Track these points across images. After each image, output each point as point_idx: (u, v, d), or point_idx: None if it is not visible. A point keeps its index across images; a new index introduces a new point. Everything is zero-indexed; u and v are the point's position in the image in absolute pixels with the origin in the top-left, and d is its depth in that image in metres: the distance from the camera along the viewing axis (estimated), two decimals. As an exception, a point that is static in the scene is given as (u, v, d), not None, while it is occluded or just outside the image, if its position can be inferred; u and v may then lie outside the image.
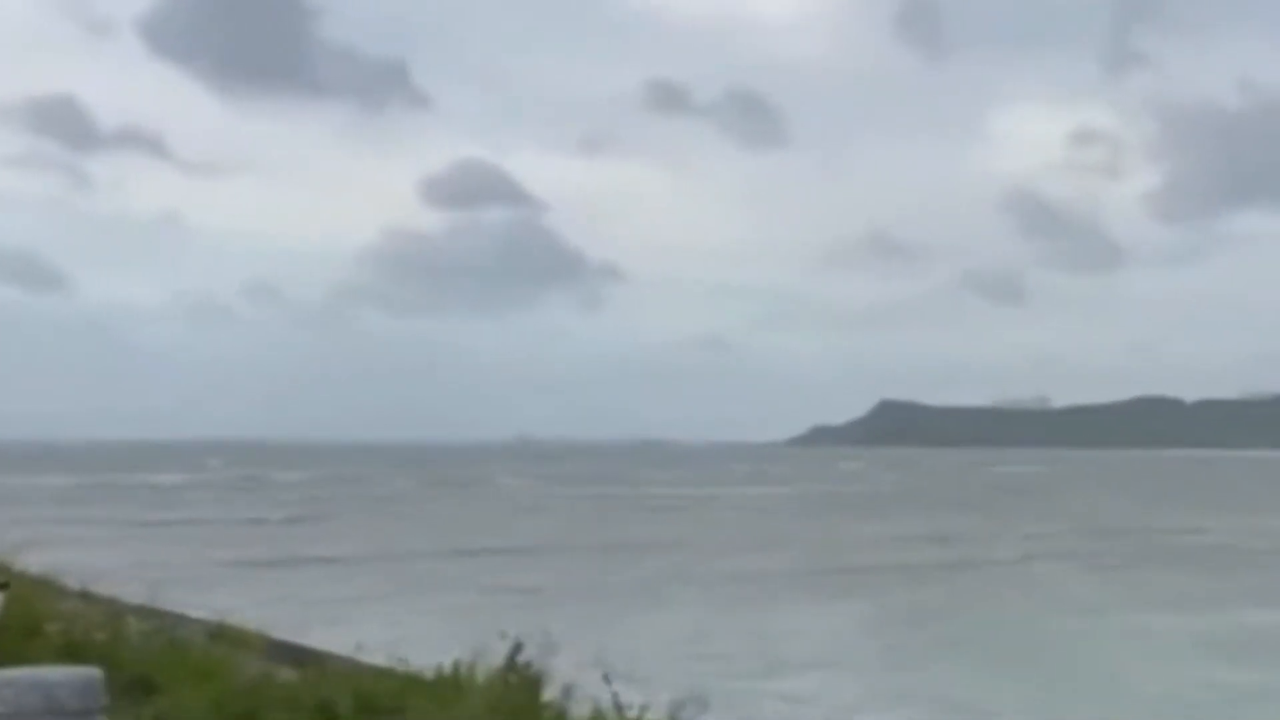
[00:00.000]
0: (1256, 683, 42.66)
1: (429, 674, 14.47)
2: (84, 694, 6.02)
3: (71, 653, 12.66)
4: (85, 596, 17.65)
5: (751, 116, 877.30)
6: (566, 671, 14.58)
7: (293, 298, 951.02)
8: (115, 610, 16.43)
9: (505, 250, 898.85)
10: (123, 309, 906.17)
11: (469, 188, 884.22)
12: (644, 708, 14.29)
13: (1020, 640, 52.81)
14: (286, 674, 14.06)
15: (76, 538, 74.81)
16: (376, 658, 15.96)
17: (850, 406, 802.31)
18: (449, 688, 13.89)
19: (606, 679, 13.94)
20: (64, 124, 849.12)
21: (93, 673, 6.07)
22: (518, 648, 14.37)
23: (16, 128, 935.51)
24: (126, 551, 71.56)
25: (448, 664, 14.55)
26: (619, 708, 14.01)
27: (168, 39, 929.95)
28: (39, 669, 6.23)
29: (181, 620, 17.34)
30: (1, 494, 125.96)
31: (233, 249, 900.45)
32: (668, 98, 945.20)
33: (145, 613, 16.97)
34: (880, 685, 43.41)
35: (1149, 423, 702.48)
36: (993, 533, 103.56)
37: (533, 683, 14.11)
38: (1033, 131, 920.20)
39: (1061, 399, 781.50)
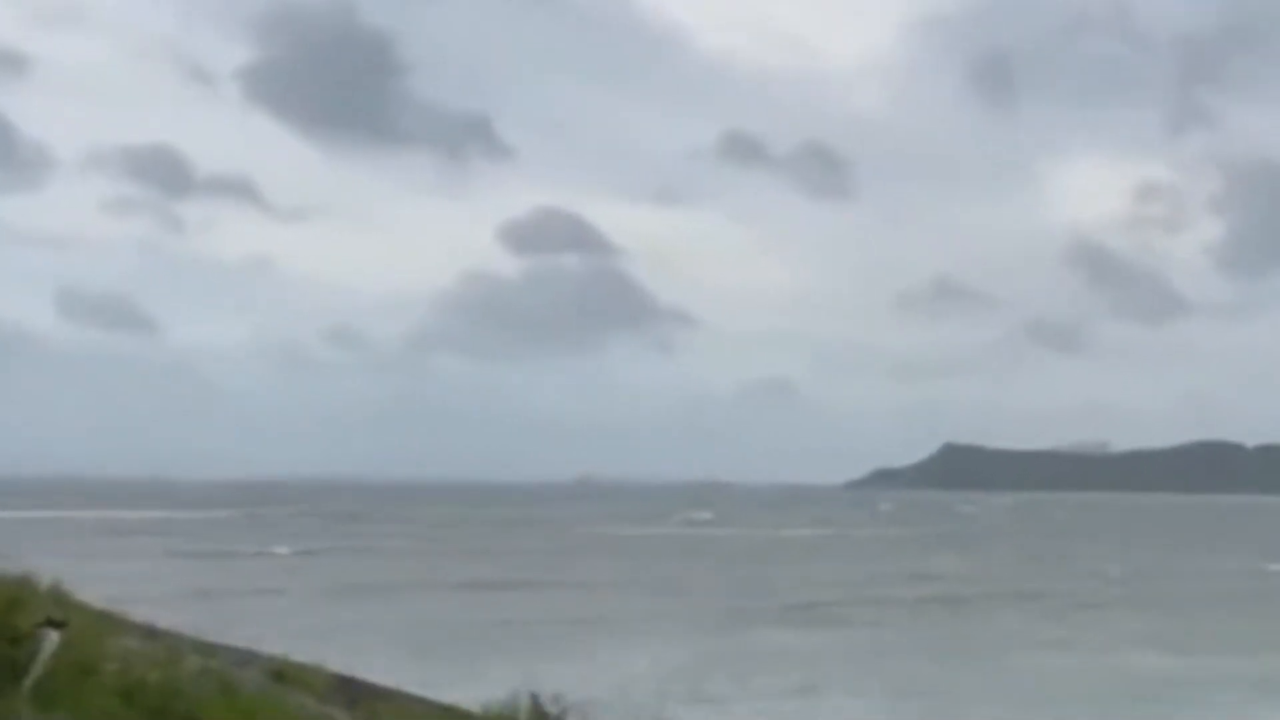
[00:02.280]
0: None
1: (480, 712, 14.49)
2: None
3: (126, 694, 12.66)
4: (148, 633, 17.64)
5: (822, 168, 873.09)
6: (601, 697, 14.61)
7: (373, 341, 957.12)
8: (175, 647, 16.41)
9: (580, 296, 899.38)
10: (210, 351, 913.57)
11: (547, 235, 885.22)
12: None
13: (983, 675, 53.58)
14: (339, 715, 14.06)
15: (149, 571, 75.66)
16: (439, 694, 15.98)
17: (913, 451, 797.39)
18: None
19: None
20: (162, 171, 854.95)
21: None
22: (536, 701, 14.40)
23: (116, 175, 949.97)
24: (200, 580, 72.34)
25: (491, 702, 14.59)
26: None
27: (263, 89, 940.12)
28: None
29: (242, 656, 17.37)
30: (91, 527, 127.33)
31: (317, 293, 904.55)
32: (742, 149, 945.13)
33: (206, 649, 16.98)
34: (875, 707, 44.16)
35: (1209, 467, 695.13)
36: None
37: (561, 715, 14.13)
38: (1096, 185, 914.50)
39: (1121, 444, 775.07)
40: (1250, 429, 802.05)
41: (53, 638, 11.97)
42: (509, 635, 60.83)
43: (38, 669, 11.58)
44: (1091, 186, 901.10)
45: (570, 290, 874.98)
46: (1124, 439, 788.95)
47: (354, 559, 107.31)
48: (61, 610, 14.55)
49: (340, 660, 20.72)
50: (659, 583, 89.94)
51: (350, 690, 16.85)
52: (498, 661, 43.91)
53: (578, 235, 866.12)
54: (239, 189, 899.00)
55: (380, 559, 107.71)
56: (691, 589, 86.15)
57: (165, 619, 19.18)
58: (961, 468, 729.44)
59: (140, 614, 18.62)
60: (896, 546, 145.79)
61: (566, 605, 74.12)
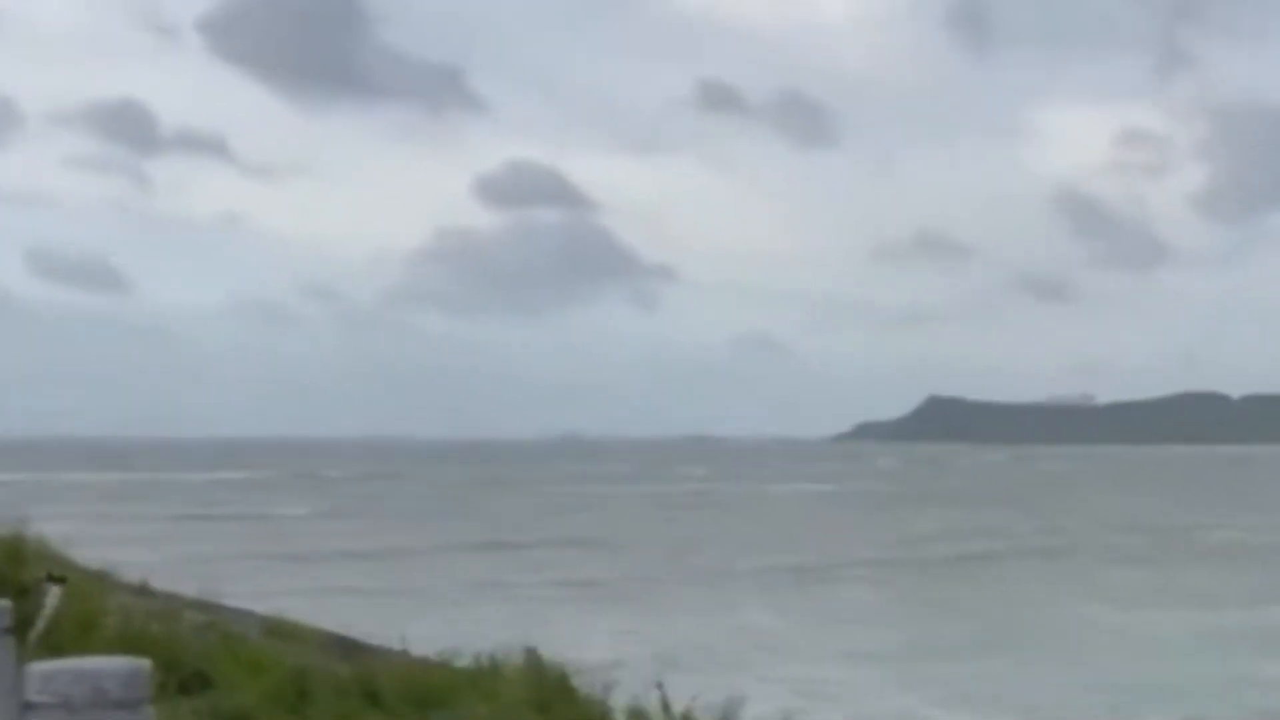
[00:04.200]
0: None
1: (469, 666, 14.77)
2: (130, 684, 5.78)
3: (128, 646, 12.79)
4: (142, 591, 17.96)
5: (802, 117, 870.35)
6: (611, 662, 14.87)
7: (348, 298, 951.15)
8: (171, 605, 16.76)
9: (559, 250, 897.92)
10: (182, 310, 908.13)
11: (523, 189, 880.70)
12: (693, 698, 14.53)
13: (1037, 632, 53.19)
14: (338, 666, 14.41)
15: (134, 534, 75.65)
16: (421, 649, 16.26)
17: (897, 404, 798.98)
18: (490, 679, 14.23)
19: (659, 686, 14.23)
20: (128, 127, 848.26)
21: (139, 663, 5.91)
22: (533, 652, 14.66)
23: (81, 131, 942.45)
24: (182, 546, 72.29)
25: (485, 656, 14.87)
26: (666, 705, 14.26)
27: (230, 42, 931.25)
28: (85, 660, 6.09)
29: (237, 614, 17.71)
30: (63, 491, 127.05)
31: (291, 250, 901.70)
32: (720, 98, 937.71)
33: (201, 607, 17.34)
34: (909, 673, 43.82)
35: (1195, 419, 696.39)
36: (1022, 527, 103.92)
37: (568, 675, 14.40)
38: (1080, 132, 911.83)
39: (1107, 395, 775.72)
40: (1236, 379, 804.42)
41: (55, 591, 12.29)
42: (507, 597, 60.81)
43: (42, 623, 11.89)
44: (1076, 133, 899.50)
45: (549, 244, 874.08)
46: (1109, 391, 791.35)
47: (341, 522, 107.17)
48: (57, 567, 14.90)
49: (336, 621, 21.11)
50: (678, 543, 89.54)
51: (344, 646, 17.16)
52: (495, 622, 43.87)
53: (555, 188, 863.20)
54: (208, 145, 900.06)
55: (367, 521, 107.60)
56: (708, 549, 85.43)
57: (156, 579, 19.48)
58: (945, 420, 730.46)
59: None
60: (914, 502, 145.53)
61: (589, 568, 73.73)
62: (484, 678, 14.34)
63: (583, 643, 15.16)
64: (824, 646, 48.59)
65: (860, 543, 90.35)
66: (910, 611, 59.83)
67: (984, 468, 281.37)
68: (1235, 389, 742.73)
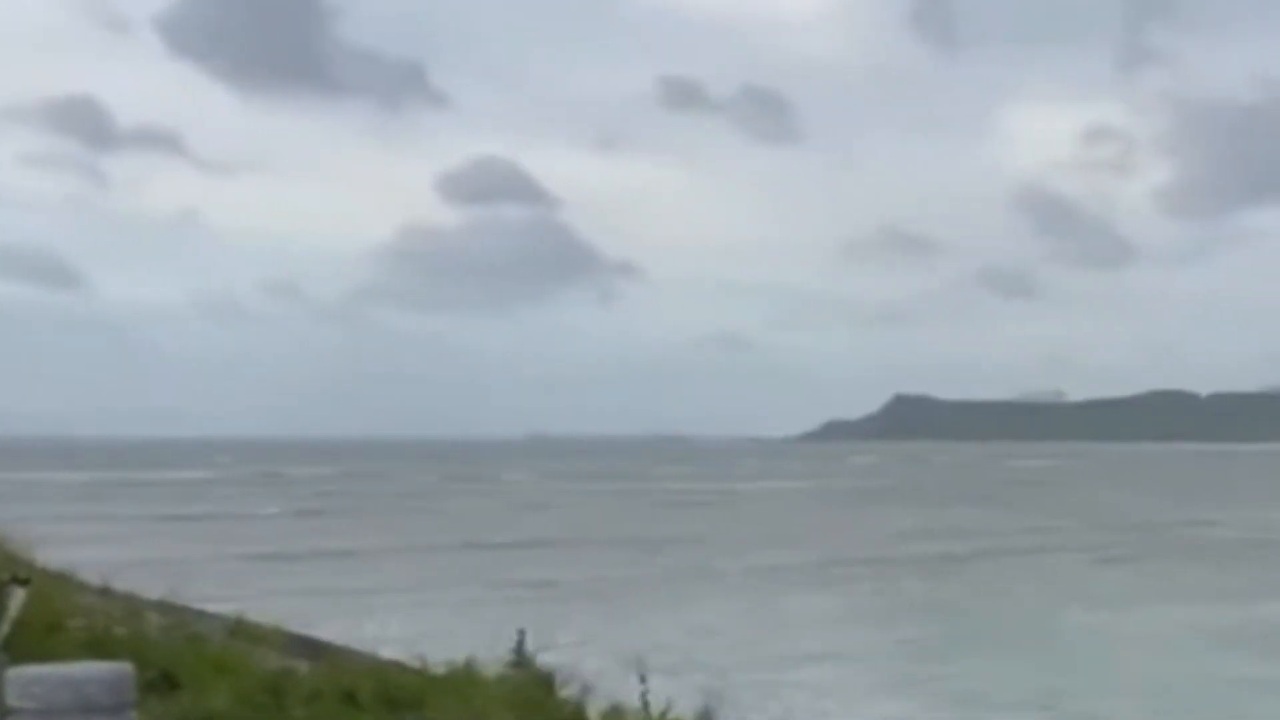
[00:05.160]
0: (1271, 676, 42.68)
1: (444, 668, 14.56)
2: (114, 690, 5.88)
3: (94, 648, 12.67)
4: (105, 592, 17.69)
5: (766, 113, 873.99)
6: (589, 665, 14.68)
7: (310, 295, 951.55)
8: (135, 606, 16.48)
9: (521, 247, 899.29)
10: (140, 307, 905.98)
11: (485, 185, 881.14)
12: (669, 702, 14.37)
13: (1031, 632, 52.94)
14: (305, 668, 14.15)
15: (94, 534, 75.05)
16: (392, 652, 16.05)
17: (864, 402, 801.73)
18: (465, 682, 14.01)
19: (642, 678, 14.06)
20: (82, 123, 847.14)
21: (123, 668, 5.95)
22: (522, 640, 14.48)
23: (36, 128, 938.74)
24: (143, 547, 71.71)
25: (460, 658, 14.66)
26: (645, 705, 14.10)
27: (185, 38, 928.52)
28: (68, 665, 6.07)
29: (201, 616, 17.43)
30: (20, 490, 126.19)
31: (250, 247, 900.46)
32: (683, 95, 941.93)
33: (165, 608, 17.05)
34: (894, 675, 43.55)
35: (1164, 416, 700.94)
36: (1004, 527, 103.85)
37: (545, 677, 14.21)
38: (1045, 128, 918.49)
39: (1076, 393, 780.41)
40: (1204, 377, 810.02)
41: (19, 594, 11.99)
42: (478, 599, 60.52)
43: (6, 625, 11.60)
44: (1042, 130, 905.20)
45: (511, 242, 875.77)
46: (1079, 388, 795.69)
47: (307, 522, 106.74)
48: (19, 569, 14.56)
49: (300, 621, 20.80)
50: (694, 540, 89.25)
51: (309, 647, 16.95)
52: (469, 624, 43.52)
53: (518, 185, 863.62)
54: (165, 141, 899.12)
55: (330, 520, 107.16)
56: (717, 548, 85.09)
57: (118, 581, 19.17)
58: (913, 419, 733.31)
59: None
60: (897, 500, 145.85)
61: (560, 568, 73.39)
62: (460, 680, 14.11)
63: (557, 645, 14.88)
64: (806, 647, 48.34)
65: (846, 541, 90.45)
66: (897, 611, 59.67)
67: (964, 465, 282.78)
68: (1203, 387, 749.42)
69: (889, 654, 47.82)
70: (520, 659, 14.41)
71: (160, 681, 12.79)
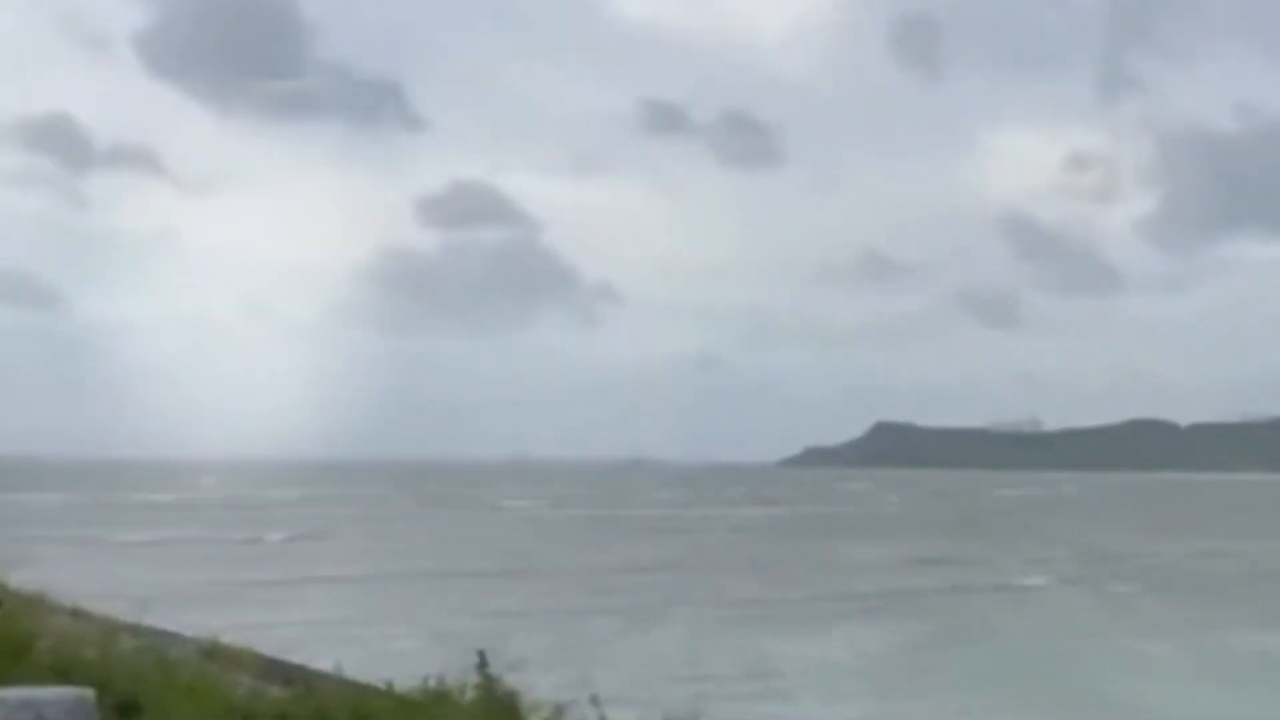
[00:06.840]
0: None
1: (417, 694, 14.47)
2: (75, 713, 5.86)
3: (62, 671, 12.49)
4: (77, 614, 17.57)
5: (746, 136, 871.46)
6: (556, 692, 14.61)
7: (287, 316, 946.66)
8: (107, 629, 16.35)
9: (500, 270, 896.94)
10: (117, 326, 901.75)
11: (464, 208, 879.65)
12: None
13: (1017, 661, 52.84)
14: (278, 692, 14.05)
15: (69, 556, 74.76)
16: (364, 676, 15.97)
17: (844, 428, 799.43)
18: (435, 704, 13.92)
19: (594, 700, 13.98)
20: (59, 142, 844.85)
21: (84, 693, 5.91)
22: (483, 660, 14.39)
23: (11, 146, 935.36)
24: (119, 570, 71.45)
25: (430, 682, 14.57)
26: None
27: (163, 56, 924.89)
28: (29, 689, 6.01)
29: (174, 639, 17.29)
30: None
31: (227, 267, 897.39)
32: (662, 117, 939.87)
33: (137, 631, 16.91)
34: (877, 709, 43.36)
35: (1143, 446, 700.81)
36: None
37: (509, 701, 14.13)
38: (1026, 154, 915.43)
39: (1054, 422, 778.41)
40: (1183, 407, 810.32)
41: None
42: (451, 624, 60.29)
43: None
44: (1024, 156, 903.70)
45: (490, 264, 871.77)
46: (1057, 417, 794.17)
47: (283, 548, 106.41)
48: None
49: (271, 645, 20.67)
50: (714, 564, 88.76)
51: (282, 670, 16.84)
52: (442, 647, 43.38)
53: (496, 208, 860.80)
54: (142, 160, 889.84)
55: (309, 546, 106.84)
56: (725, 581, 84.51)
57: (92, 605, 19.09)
58: (894, 446, 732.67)
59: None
60: (900, 528, 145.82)
61: (529, 596, 73.14)
62: (432, 702, 14.03)
63: (524, 668, 14.82)
64: (805, 684, 48.13)
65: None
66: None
67: (959, 492, 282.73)
68: (1183, 417, 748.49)
69: (872, 685, 47.62)
70: (485, 680, 14.31)
71: (128, 706, 12.68)
